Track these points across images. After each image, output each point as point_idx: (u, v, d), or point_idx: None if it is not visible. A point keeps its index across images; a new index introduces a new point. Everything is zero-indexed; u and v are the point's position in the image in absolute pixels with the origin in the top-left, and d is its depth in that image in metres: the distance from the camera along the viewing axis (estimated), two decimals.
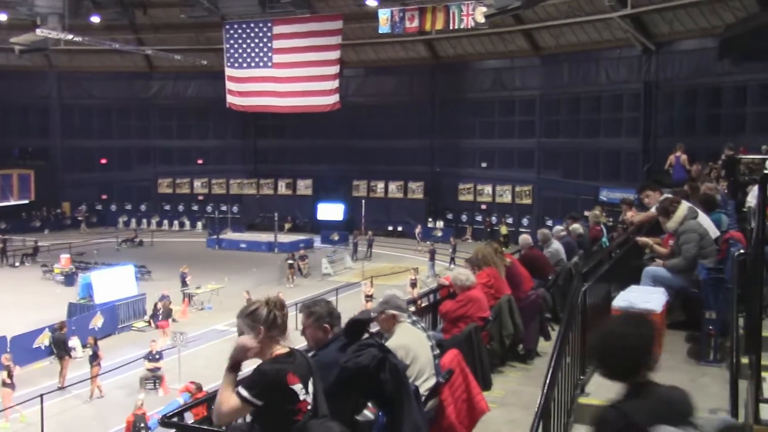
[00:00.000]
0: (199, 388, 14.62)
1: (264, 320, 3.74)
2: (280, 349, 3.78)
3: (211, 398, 7.21)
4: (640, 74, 33.73)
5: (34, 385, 18.17)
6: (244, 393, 3.60)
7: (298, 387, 3.65)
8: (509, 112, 40.88)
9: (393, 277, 30.10)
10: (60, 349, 19.65)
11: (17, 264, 36.11)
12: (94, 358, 18.40)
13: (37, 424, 15.46)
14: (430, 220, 43.49)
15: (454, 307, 7.34)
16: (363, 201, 43.29)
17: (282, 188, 48.14)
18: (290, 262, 31.16)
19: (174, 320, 24.58)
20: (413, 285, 26.79)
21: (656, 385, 3.30)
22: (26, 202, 43.81)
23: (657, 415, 3.12)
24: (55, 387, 18.04)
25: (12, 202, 43.13)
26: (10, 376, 16.92)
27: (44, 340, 21.04)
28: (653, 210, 9.26)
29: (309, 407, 3.70)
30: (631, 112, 34.43)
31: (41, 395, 16.11)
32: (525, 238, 11.03)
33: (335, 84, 42.44)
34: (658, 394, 3.26)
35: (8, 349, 20.05)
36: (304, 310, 4.68)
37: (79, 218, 47.81)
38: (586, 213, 19.37)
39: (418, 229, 40.58)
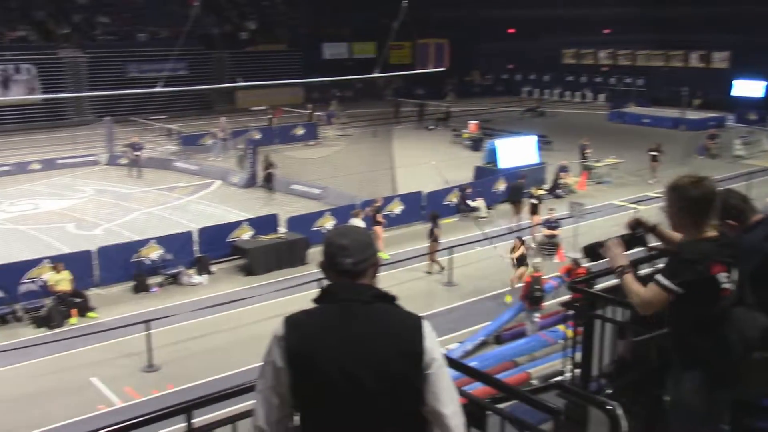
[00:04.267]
0: (578, 264, 14.75)
1: (687, 199, 3.54)
2: (707, 232, 3.57)
3: (596, 276, 7.22)
4: None
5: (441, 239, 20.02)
6: (665, 282, 3.51)
7: (722, 276, 3.46)
8: None
9: None
10: (516, 196, 21.69)
11: (431, 127, 39.44)
12: (431, 235, 18.53)
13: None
14: None
15: None
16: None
17: (693, 60, 44.55)
18: (653, 153, 27.01)
19: (572, 191, 24.95)
20: None
21: None
22: (440, 69, 46.99)
23: None
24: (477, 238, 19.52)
25: (428, 70, 46.61)
26: (377, 214, 19.17)
27: (453, 199, 22.92)
28: None
29: (729, 294, 3.51)
30: None
31: (450, 247, 17.78)
32: None
33: None
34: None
35: (423, 203, 22.33)
36: None
37: (449, 88, 49.81)
38: None
39: None
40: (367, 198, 21.18)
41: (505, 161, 25.77)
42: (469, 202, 22.77)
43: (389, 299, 2.70)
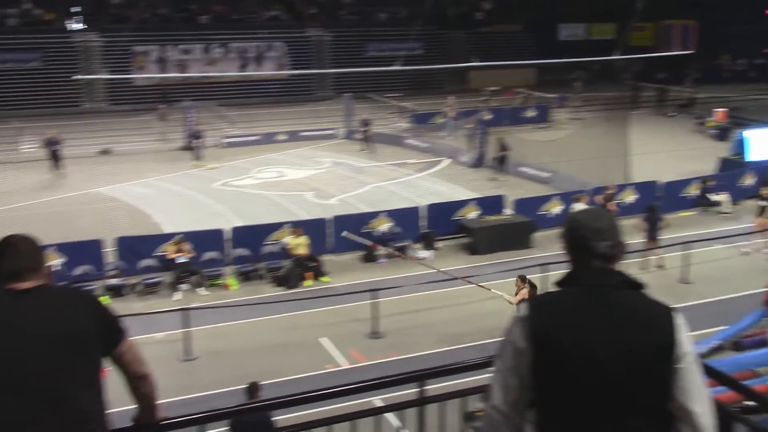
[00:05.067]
0: None
1: None
2: None
3: None
4: None
5: (675, 233, 18.85)
6: None
7: None
8: None
9: None
10: None
11: (672, 114, 37.15)
12: (648, 227, 17.27)
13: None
14: None
15: None
16: None
17: None
18: None
19: None
20: None
21: None
22: (686, 52, 43.93)
23: None
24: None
25: (672, 53, 43.83)
26: (608, 201, 18.13)
27: (693, 191, 21.47)
28: None
29: None
30: None
31: (686, 242, 16.69)
32: None
33: None
34: None
35: (659, 194, 21.14)
36: None
37: (689, 73, 45.64)
38: None
39: None
40: (598, 185, 20.46)
41: (756, 153, 23.67)
42: (710, 195, 21.22)
43: (638, 286, 2.61)
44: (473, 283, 14.57)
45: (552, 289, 2.72)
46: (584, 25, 51.53)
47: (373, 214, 18.90)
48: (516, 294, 12.71)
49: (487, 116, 33.23)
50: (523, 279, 12.79)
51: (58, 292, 2.92)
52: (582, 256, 2.65)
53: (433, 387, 3.70)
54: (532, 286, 12.57)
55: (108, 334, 2.88)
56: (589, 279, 2.60)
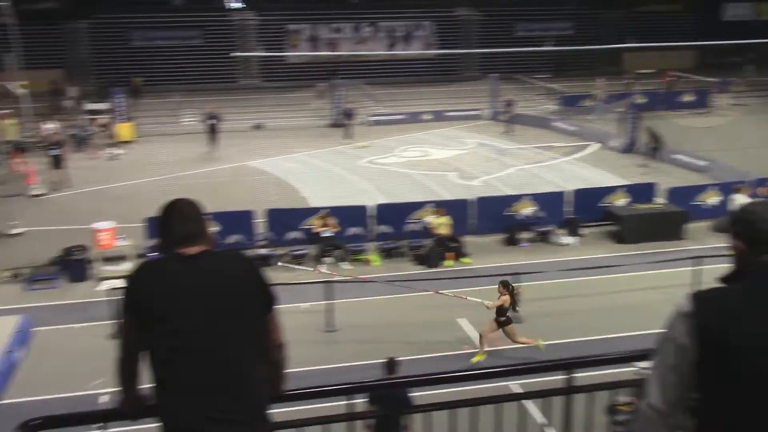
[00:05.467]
0: None
1: None
2: None
3: None
4: None
5: None
6: None
7: None
8: None
9: None
10: None
11: None
12: None
13: None
14: None
15: None
16: None
17: None
18: None
19: None
20: None
21: None
22: None
23: None
24: None
25: None
26: None
27: None
28: None
29: None
30: None
31: None
32: None
33: None
34: None
35: None
36: None
37: None
38: None
39: None
40: (762, 176, 19.16)
41: None
42: None
43: None
44: (433, 290, 14.00)
45: (713, 284, 2.57)
46: (751, 4, 48.16)
47: (517, 197, 18.66)
48: (498, 299, 11.97)
49: (641, 100, 31.85)
50: (505, 285, 12.04)
51: (223, 257, 3.05)
52: (759, 249, 2.49)
53: (579, 376, 3.60)
54: (512, 294, 11.96)
55: (265, 300, 2.98)
56: (765, 274, 2.44)
